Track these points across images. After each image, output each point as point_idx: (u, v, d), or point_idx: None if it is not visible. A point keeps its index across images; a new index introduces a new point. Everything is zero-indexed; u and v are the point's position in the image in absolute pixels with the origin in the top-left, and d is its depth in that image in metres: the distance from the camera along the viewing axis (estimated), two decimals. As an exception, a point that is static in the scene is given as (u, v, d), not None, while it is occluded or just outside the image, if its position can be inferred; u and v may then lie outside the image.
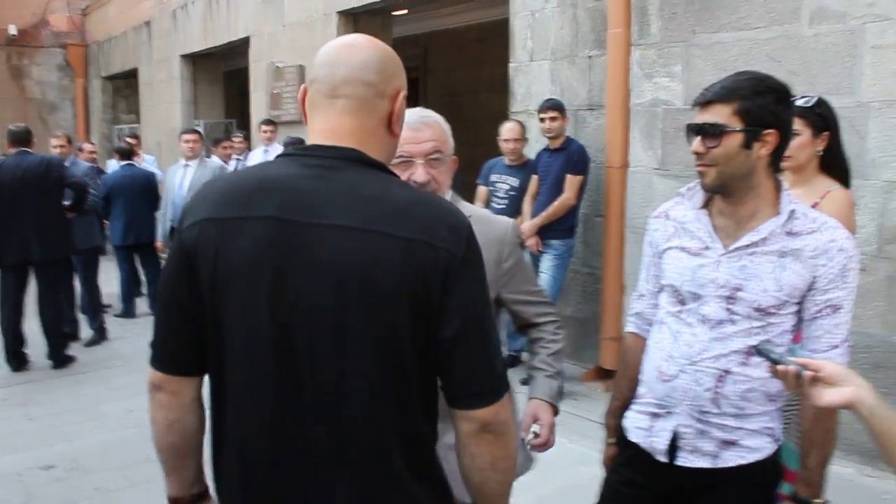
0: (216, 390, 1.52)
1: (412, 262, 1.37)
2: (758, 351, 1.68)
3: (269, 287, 1.40)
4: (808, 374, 1.50)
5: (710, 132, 1.91)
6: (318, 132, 1.48)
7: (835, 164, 3.06)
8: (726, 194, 1.97)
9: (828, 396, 1.48)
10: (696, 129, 1.94)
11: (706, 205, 2.05)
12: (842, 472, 4.02)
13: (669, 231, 2.10)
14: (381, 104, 1.49)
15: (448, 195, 2.14)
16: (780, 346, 1.96)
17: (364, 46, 1.50)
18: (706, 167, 1.94)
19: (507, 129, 5.99)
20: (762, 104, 1.89)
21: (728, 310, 1.95)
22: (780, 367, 1.55)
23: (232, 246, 1.42)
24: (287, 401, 1.42)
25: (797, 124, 3.01)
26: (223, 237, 1.43)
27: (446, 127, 2.14)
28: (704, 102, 1.94)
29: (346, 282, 1.37)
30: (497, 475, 1.51)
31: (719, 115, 1.90)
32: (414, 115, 2.07)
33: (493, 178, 6.17)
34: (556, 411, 2.23)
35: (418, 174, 2.03)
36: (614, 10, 5.23)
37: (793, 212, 1.94)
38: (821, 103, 3.08)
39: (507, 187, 6.05)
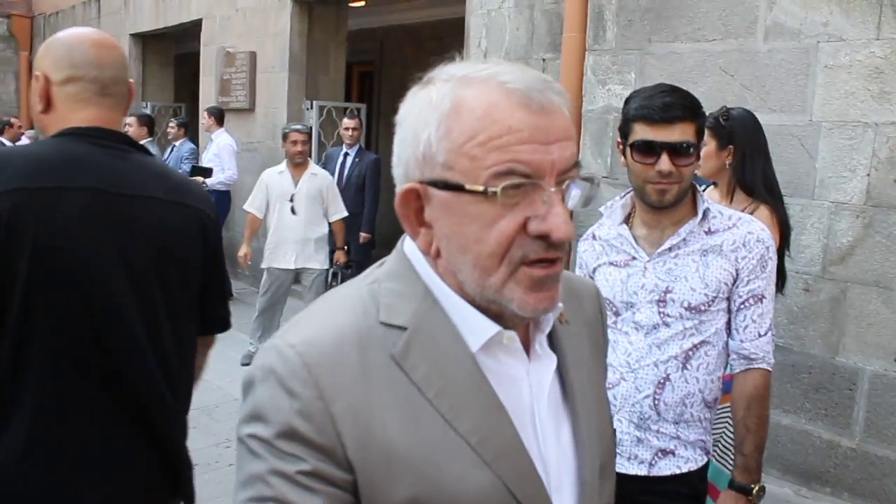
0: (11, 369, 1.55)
1: (200, 227, 1.74)
2: None
3: (99, 253, 1.56)
4: None
5: (684, 151, 1.92)
6: (90, 121, 1.66)
7: (747, 182, 2.95)
8: (670, 207, 2.00)
9: None
10: (667, 148, 1.91)
11: (625, 220, 2.12)
12: (778, 492, 4.00)
13: (598, 250, 2.17)
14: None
15: None
16: (715, 348, 2.03)
17: (113, 45, 1.72)
18: (671, 185, 1.95)
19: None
20: (704, 120, 1.99)
21: (661, 313, 2.00)
22: None
23: (55, 214, 1.52)
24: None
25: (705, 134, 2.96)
26: (44, 206, 1.51)
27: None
28: (669, 119, 1.90)
29: (164, 247, 1.65)
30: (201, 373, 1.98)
31: (686, 133, 1.91)
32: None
33: None
34: None
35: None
36: (571, 14, 5.13)
37: (707, 210, 2.01)
38: (728, 116, 2.97)
39: None
